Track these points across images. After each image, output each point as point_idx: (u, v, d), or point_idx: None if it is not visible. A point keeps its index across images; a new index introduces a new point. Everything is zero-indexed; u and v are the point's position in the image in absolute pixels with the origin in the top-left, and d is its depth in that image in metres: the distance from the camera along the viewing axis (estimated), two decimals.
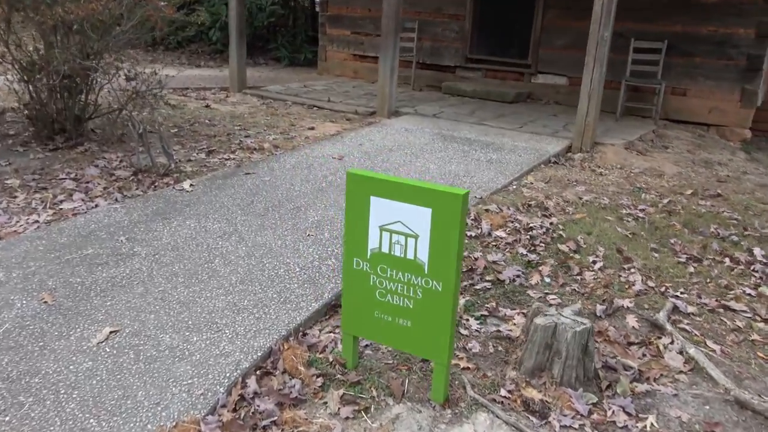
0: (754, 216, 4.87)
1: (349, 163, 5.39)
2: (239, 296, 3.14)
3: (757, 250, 4.16)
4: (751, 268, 3.93)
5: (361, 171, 2.51)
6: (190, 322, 2.89)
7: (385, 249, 2.54)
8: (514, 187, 5.08)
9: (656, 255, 4.00)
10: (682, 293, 3.54)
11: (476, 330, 3.08)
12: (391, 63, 7.26)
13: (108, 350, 2.68)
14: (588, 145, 6.18)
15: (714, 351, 3.01)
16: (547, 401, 2.61)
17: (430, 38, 9.67)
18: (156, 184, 4.68)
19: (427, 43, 9.74)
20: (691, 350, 2.95)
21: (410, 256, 2.49)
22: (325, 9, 10.79)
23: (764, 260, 4.05)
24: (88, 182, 4.58)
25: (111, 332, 2.81)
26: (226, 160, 5.39)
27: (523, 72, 9.10)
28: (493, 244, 3.96)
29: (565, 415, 2.54)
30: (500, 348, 2.97)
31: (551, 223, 4.31)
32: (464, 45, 9.45)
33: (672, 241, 4.22)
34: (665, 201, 5.00)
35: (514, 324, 3.15)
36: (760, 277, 3.83)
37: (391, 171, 5.24)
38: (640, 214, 4.65)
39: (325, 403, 2.53)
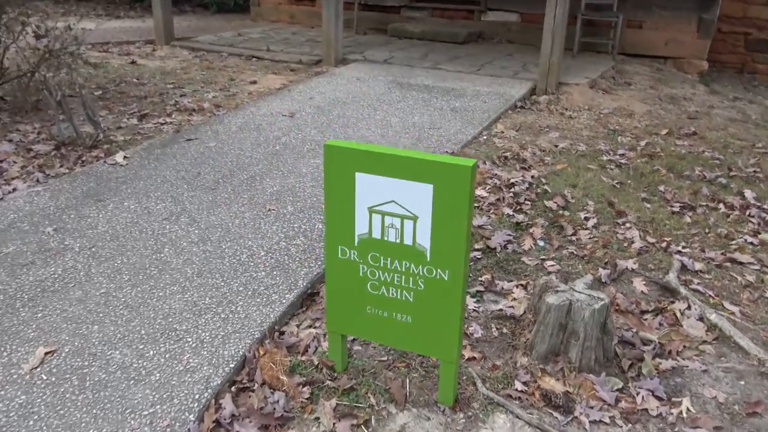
0: (734, 154, 4.66)
1: (301, 121, 4.87)
2: (199, 293, 2.67)
3: (747, 193, 3.94)
4: (747, 213, 3.70)
5: (341, 143, 2.05)
6: (143, 332, 2.42)
7: (376, 234, 2.11)
8: (485, 137, 4.69)
9: (648, 206, 3.72)
10: (684, 248, 3.27)
11: (474, 310, 2.72)
12: (335, 6, 6.65)
13: (45, 378, 2.19)
14: (553, 87, 5.83)
15: (733, 314, 2.75)
16: (569, 392, 2.29)
17: None
18: (83, 158, 4.06)
19: None
20: (713, 316, 2.68)
21: (408, 241, 2.08)
22: None
23: (757, 203, 3.83)
24: (0, 161, 3.92)
25: (46, 353, 2.31)
26: (163, 124, 4.77)
27: (472, 10, 8.60)
28: (476, 205, 3.58)
29: (591, 407, 2.23)
30: (505, 330, 2.62)
31: (533, 177, 3.95)
32: None
33: (661, 188, 3.95)
34: (643, 143, 4.72)
35: (515, 299, 2.81)
36: (758, 223, 3.61)
37: (350, 127, 4.75)
38: (622, 161, 4.36)
39: (317, 418, 2.14)
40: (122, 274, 2.78)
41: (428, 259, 2.07)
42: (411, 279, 2.13)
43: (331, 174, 2.10)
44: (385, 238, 2.10)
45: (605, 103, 5.71)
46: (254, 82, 6.10)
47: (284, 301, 2.65)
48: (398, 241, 2.09)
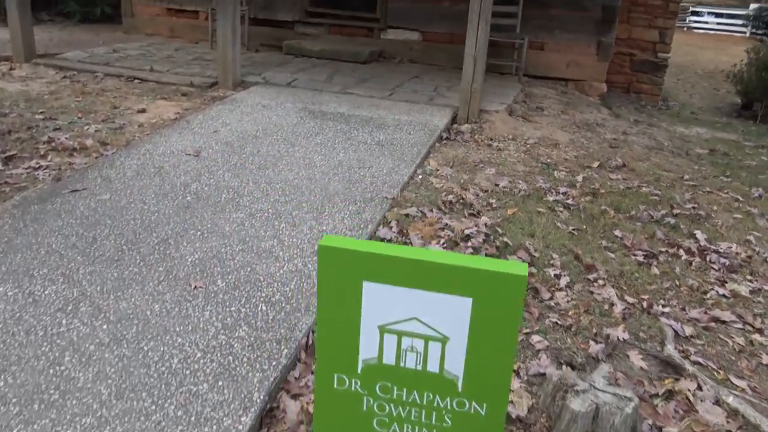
0: (668, 188, 4.57)
1: (210, 161, 4.19)
2: (123, 427, 1.99)
3: (699, 234, 3.81)
4: (707, 258, 3.54)
5: (340, 241, 1.53)
6: None
7: (389, 359, 1.60)
8: (420, 177, 4.26)
9: (612, 255, 3.46)
10: (664, 306, 3.02)
11: None
12: (232, 21, 5.97)
13: None
14: (475, 115, 5.53)
15: (744, 390, 2.50)
16: None
17: None
18: None
19: None
20: (730, 399, 2.40)
21: (433, 368, 1.59)
22: None
23: (711, 246, 3.69)
24: None
25: None
26: (36, 169, 3.91)
27: (372, 27, 8.21)
28: None
29: None
30: None
31: (486, 225, 3.57)
32: None
33: (617, 233, 3.71)
34: (580, 179, 4.52)
35: (511, 391, 2.38)
36: (720, 269, 3.45)
37: (268, 168, 4.14)
38: (568, 200, 4.10)
39: None
40: (9, 405, 2.04)
41: (460, 390, 1.59)
42: (435, 414, 1.63)
43: (327, 283, 1.56)
44: (402, 365, 1.60)
45: (528, 131, 5.49)
46: (143, 111, 5.29)
47: (240, 427, 2.04)
48: (420, 367, 1.59)
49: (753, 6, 15.04)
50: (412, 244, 3.28)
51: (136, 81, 6.34)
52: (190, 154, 4.27)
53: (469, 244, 3.36)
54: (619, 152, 5.27)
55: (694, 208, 4.25)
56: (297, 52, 7.94)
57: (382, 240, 3.29)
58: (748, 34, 14.06)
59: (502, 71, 7.67)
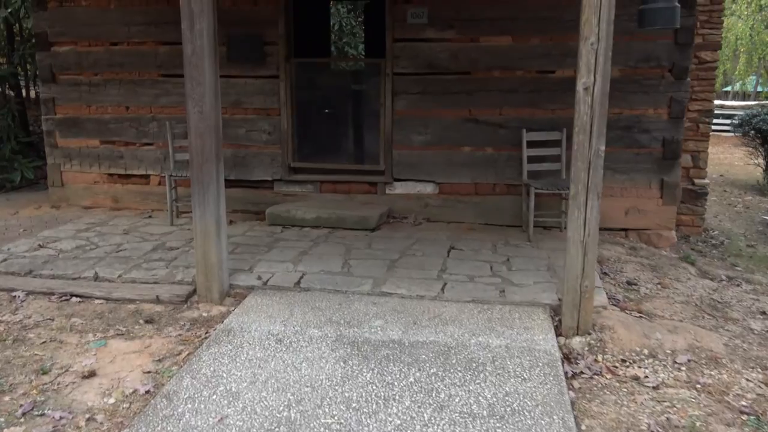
0: None
1: None
2: None
3: None
4: None
5: None
6: None
7: None
8: None
9: None
10: None
11: None
12: (216, 209, 4.20)
13: None
14: (588, 323, 3.82)
15: None
16: None
17: (230, 143, 6.68)
18: None
19: (227, 151, 6.73)
20: None
21: None
22: (53, 110, 7.13)
23: None
24: None
25: None
26: None
27: (375, 182, 6.59)
28: None
29: None
30: None
31: None
32: (283, 149, 6.66)
33: None
34: None
35: None
36: None
37: None
38: None
39: None
40: None
41: None
42: None
43: None
44: None
45: (663, 337, 3.82)
46: (91, 375, 3.33)
47: None
48: None
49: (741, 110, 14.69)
50: None
51: (74, 300, 4.38)
52: None
53: None
54: None
55: None
56: (285, 222, 6.19)
57: None
58: (734, 134, 13.43)
59: (547, 225, 6.13)
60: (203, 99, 3.96)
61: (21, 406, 3.02)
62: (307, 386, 3.16)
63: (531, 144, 6.05)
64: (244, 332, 3.77)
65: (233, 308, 4.18)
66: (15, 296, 4.41)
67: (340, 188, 6.67)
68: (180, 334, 3.85)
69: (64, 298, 4.40)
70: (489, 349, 3.55)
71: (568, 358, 3.60)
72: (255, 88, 6.58)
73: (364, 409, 2.96)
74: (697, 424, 2.96)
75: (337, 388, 3.14)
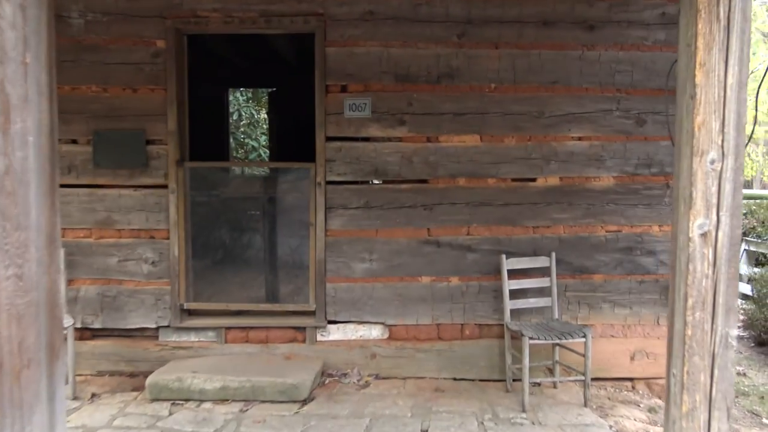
0: None
1: None
2: None
3: None
4: None
5: None
6: None
7: None
8: None
9: None
10: None
11: None
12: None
13: None
14: None
15: None
16: None
17: (95, 278, 4.77)
18: None
19: (90, 289, 4.79)
20: None
21: None
22: None
23: None
24: None
25: None
26: None
27: (302, 326, 4.85)
28: None
29: None
30: None
31: None
32: (174, 285, 4.80)
33: None
34: None
35: None
36: None
37: None
38: None
39: None
40: None
41: None
42: None
43: None
44: None
45: None
46: None
47: None
48: None
49: None
50: None
51: None
52: None
53: None
54: None
55: None
56: (176, 396, 4.27)
57: None
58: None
59: (537, 380, 4.61)
60: (26, 253, 2.15)
61: None
62: None
63: (512, 274, 4.60)
64: None
65: None
66: None
67: (255, 336, 4.86)
68: None
69: None
70: None
71: None
72: (134, 202, 4.76)
73: None
74: None
75: None
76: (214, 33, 4.94)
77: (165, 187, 4.74)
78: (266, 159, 13.01)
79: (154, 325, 4.84)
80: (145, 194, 4.76)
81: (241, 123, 13.45)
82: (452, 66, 4.68)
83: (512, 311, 4.59)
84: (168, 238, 4.77)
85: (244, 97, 13.52)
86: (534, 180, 4.75)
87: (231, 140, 12.50)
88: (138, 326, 4.83)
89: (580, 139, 4.73)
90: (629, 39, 4.70)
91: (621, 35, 4.69)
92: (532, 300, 4.63)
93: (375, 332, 4.87)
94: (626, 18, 4.69)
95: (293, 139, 8.52)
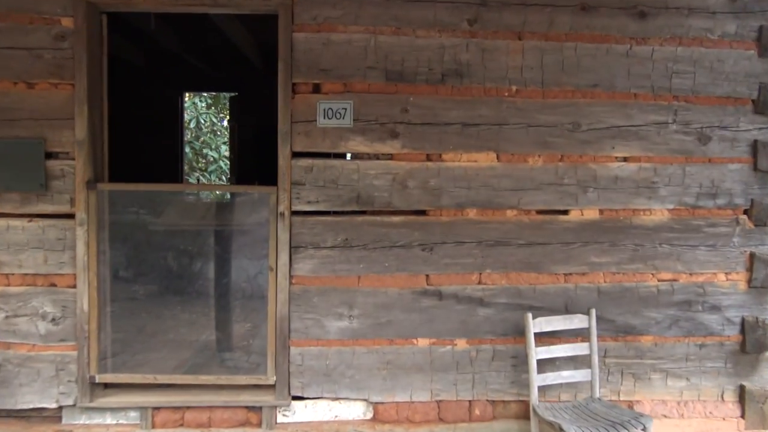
0: None
1: None
2: None
3: None
4: None
5: None
6: None
7: None
8: None
9: None
10: None
11: None
12: None
13: None
14: None
15: None
16: None
17: None
18: None
19: None
20: None
21: None
22: None
23: None
24: None
25: None
26: None
27: (257, 405, 3.62)
28: None
29: None
30: None
31: None
32: (82, 350, 3.54)
33: None
34: None
35: None
36: None
37: None
38: None
39: None
40: None
41: None
42: None
43: None
44: None
45: None
46: None
47: None
48: None
49: None
50: None
51: None
52: None
53: None
54: None
55: None
56: None
57: None
58: None
59: None
60: None
61: None
62: None
63: (537, 337, 3.46)
64: None
65: None
66: None
67: (193, 418, 3.61)
68: None
69: None
70: None
71: None
72: (28, 238, 3.50)
73: None
74: None
75: None
76: (143, 11, 3.71)
77: (71, 216, 3.49)
78: (227, 171, 11.68)
79: (54, 405, 3.56)
80: (44, 227, 3.50)
81: (201, 132, 12.17)
82: (461, 61, 3.54)
83: (540, 387, 3.44)
84: (75, 286, 3.51)
85: (204, 103, 12.24)
86: (566, 212, 3.63)
87: (188, 151, 11.19)
88: (32, 406, 3.55)
89: (626, 160, 3.64)
90: (690, 31, 3.63)
91: (680, 26, 3.62)
92: (565, 373, 3.49)
93: (355, 412, 3.68)
94: (686, 3, 3.61)
95: (257, 153, 7.32)
